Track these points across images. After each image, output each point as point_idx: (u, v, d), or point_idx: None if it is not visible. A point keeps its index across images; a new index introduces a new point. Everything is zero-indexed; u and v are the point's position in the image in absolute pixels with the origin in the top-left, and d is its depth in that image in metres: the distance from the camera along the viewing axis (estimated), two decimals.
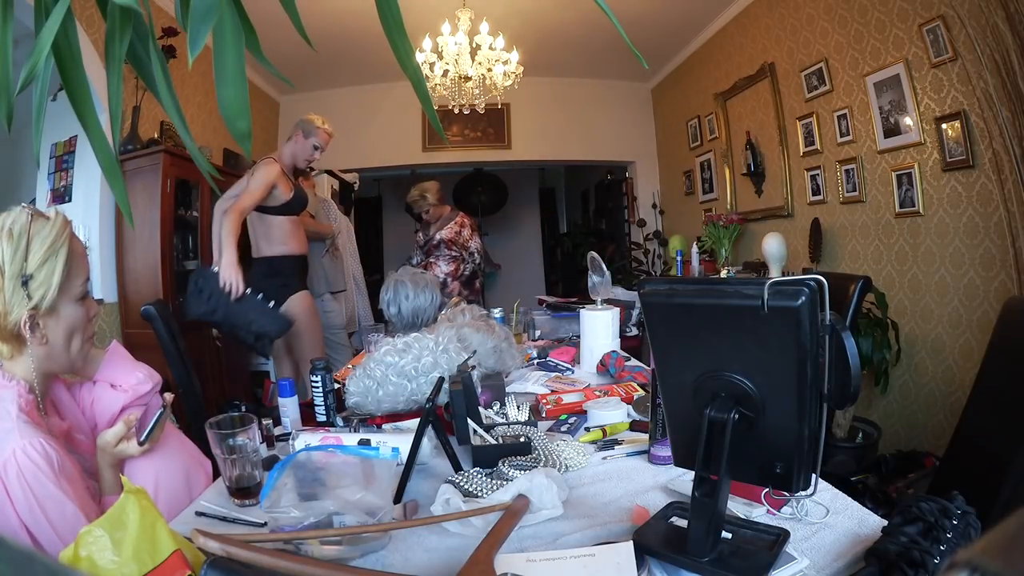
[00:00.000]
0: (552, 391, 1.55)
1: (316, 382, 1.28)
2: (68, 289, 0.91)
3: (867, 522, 0.81)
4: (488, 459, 1.04)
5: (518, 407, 1.31)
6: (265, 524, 0.85)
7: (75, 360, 0.98)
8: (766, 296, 0.62)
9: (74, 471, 0.86)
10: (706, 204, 4.51)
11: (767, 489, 0.84)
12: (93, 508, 0.86)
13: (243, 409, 1.03)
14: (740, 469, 0.71)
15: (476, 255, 3.56)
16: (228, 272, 2.25)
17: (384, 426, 1.22)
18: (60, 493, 0.80)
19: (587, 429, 1.23)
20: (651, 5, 3.73)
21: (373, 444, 1.05)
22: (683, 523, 0.76)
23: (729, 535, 0.73)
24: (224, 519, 0.91)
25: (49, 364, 0.94)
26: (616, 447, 1.14)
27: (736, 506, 0.85)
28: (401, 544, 0.80)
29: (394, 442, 1.05)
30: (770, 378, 0.66)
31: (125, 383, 1.08)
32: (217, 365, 3.26)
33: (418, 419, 1.04)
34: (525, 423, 1.22)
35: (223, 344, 3.25)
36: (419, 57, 3.25)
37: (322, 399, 1.28)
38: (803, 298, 0.61)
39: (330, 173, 4.45)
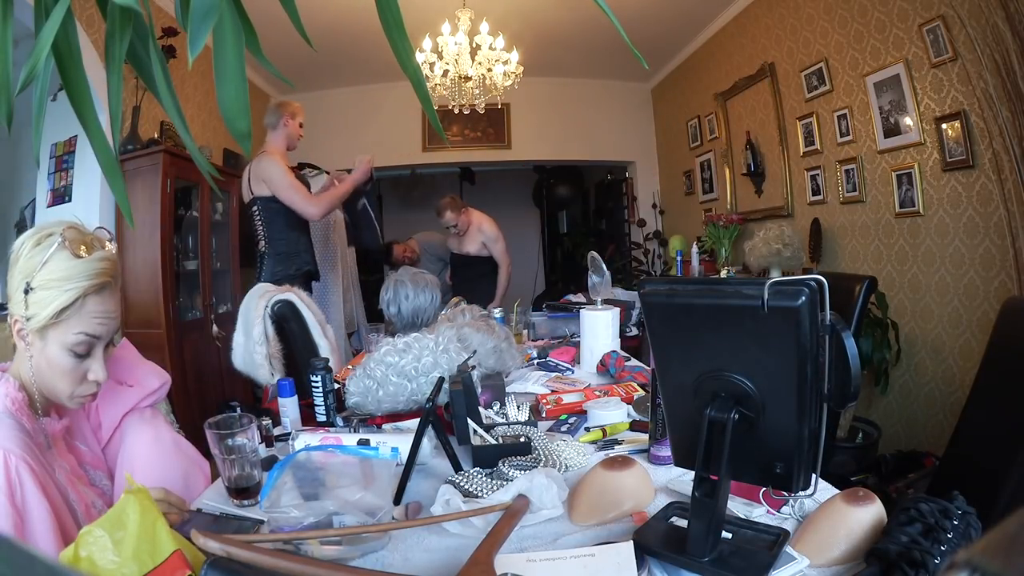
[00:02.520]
0: (552, 391, 1.55)
1: (316, 382, 1.28)
2: (59, 330, 0.86)
3: None
4: (488, 459, 1.04)
5: (518, 407, 1.31)
6: (263, 522, 0.85)
7: (60, 400, 0.91)
8: (766, 296, 0.62)
9: (47, 488, 0.81)
10: (706, 204, 4.51)
11: (765, 488, 0.84)
12: (60, 525, 0.80)
13: (239, 410, 1.03)
14: (740, 469, 0.71)
15: None
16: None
17: (384, 426, 1.22)
18: (12, 511, 0.76)
19: (587, 429, 1.23)
20: (651, 5, 3.73)
21: (372, 444, 1.05)
22: (683, 523, 0.76)
23: (729, 535, 0.73)
24: (225, 516, 0.91)
25: (38, 382, 0.89)
26: (616, 447, 1.14)
27: (736, 506, 0.85)
28: (401, 544, 0.80)
29: (394, 442, 1.05)
30: (770, 378, 0.66)
31: (133, 380, 1.08)
32: (217, 365, 3.26)
33: (418, 419, 1.04)
34: (525, 423, 1.22)
35: (223, 344, 3.25)
36: (419, 57, 3.25)
37: (322, 399, 1.28)
38: (803, 298, 0.61)
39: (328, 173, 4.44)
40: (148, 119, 3.10)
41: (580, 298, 2.78)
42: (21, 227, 3.10)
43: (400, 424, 1.23)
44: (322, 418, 1.28)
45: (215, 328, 3.26)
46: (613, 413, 1.27)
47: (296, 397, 1.30)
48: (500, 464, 1.01)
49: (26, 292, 0.84)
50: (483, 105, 3.50)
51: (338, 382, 1.42)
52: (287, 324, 1.81)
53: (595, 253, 1.93)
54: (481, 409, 1.24)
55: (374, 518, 0.77)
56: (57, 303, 0.84)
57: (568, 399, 1.45)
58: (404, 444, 1.01)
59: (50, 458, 0.88)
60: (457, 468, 1.02)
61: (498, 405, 1.34)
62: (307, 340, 1.81)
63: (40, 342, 0.87)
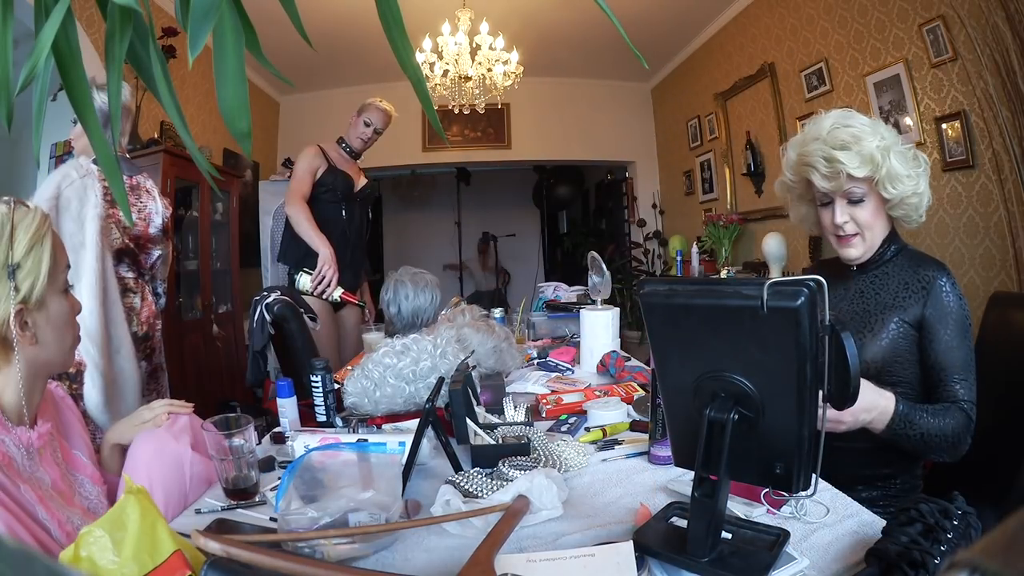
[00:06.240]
0: (552, 391, 1.55)
1: (316, 382, 1.27)
2: (55, 279, 0.85)
3: (867, 522, 0.81)
4: (488, 459, 1.04)
5: (515, 407, 1.30)
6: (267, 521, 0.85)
7: (67, 358, 0.92)
8: (766, 296, 0.61)
9: (6, 505, 0.76)
10: (706, 204, 4.51)
11: (767, 489, 0.84)
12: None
13: (239, 410, 1.03)
14: (740, 469, 0.71)
15: None
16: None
17: (384, 426, 1.22)
18: None
19: (587, 429, 1.23)
20: (651, 5, 3.74)
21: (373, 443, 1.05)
22: (683, 523, 0.76)
23: (729, 535, 0.73)
24: (226, 510, 0.91)
25: (40, 364, 0.87)
26: (616, 447, 1.14)
27: (736, 506, 0.85)
28: (401, 544, 0.80)
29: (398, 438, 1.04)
30: (770, 378, 0.66)
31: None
32: (217, 365, 3.26)
33: (417, 420, 1.04)
34: (522, 423, 1.21)
35: (223, 344, 3.25)
36: (419, 57, 3.25)
37: (322, 399, 1.28)
38: (803, 298, 0.61)
39: None
40: (148, 119, 3.10)
41: (572, 297, 2.77)
42: None
43: (400, 424, 1.22)
44: (322, 418, 1.28)
45: (215, 328, 3.26)
46: (613, 413, 1.27)
47: (295, 398, 1.30)
48: (500, 464, 1.01)
49: (12, 275, 0.79)
50: (483, 105, 3.50)
51: (338, 383, 1.42)
52: (287, 324, 1.81)
53: (595, 253, 1.93)
54: (478, 409, 1.23)
55: (387, 513, 0.77)
56: (46, 256, 0.83)
57: (568, 399, 1.45)
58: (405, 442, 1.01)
59: (24, 472, 0.83)
60: (457, 468, 1.02)
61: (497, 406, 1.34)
62: (307, 340, 1.81)
63: (42, 313, 0.84)
